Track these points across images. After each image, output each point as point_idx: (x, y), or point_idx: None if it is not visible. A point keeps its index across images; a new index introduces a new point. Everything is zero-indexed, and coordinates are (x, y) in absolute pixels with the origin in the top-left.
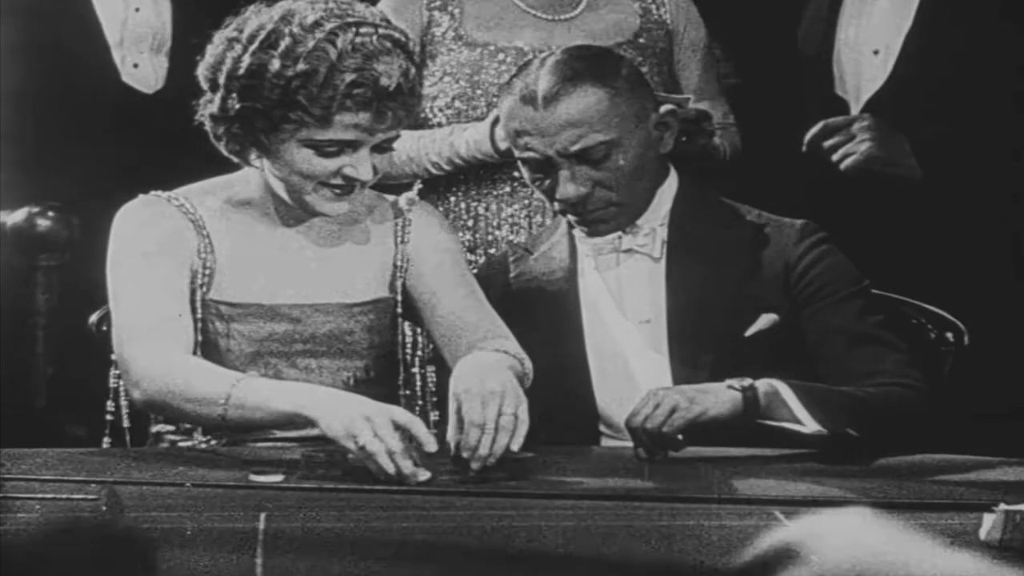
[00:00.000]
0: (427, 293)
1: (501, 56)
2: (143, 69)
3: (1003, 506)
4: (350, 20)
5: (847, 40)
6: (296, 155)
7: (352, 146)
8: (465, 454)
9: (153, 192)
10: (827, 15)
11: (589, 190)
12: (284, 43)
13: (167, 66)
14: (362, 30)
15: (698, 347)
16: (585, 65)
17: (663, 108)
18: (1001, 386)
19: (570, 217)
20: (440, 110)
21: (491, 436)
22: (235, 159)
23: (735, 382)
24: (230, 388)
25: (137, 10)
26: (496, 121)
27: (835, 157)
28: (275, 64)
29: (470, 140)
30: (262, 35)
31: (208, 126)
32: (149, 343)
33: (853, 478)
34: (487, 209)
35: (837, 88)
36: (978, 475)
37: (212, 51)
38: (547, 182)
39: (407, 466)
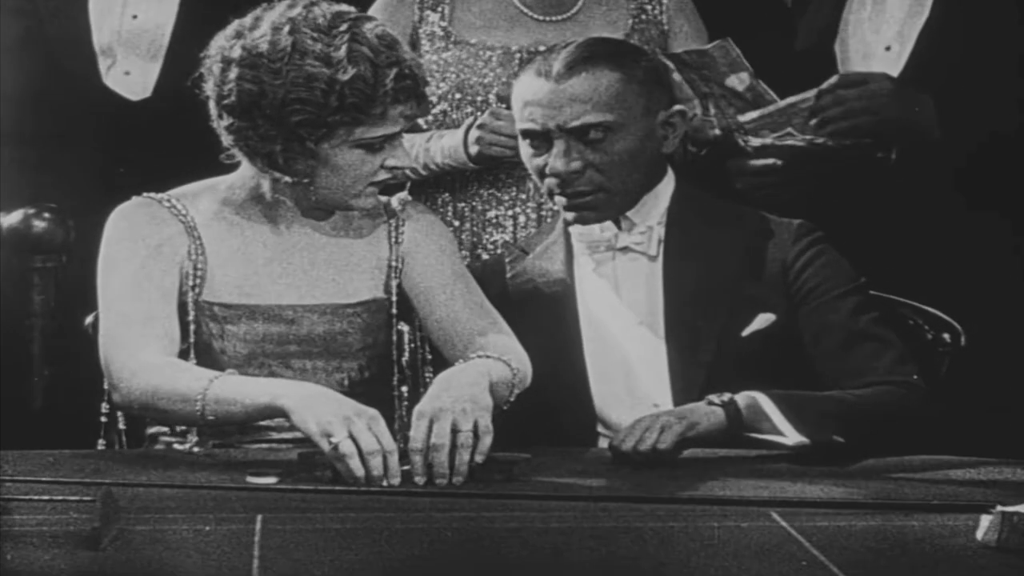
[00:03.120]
0: (422, 293)
1: (488, 55)
2: (134, 76)
3: (1000, 507)
4: (349, 16)
5: (857, 36)
6: (349, 157)
7: (392, 138)
8: (417, 479)
9: (146, 194)
10: (829, 9)
11: (580, 168)
12: (317, 50)
13: (157, 74)
14: (367, 24)
15: (695, 347)
16: (606, 49)
17: (674, 108)
18: (998, 387)
19: (557, 199)
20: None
21: (443, 454)
22: (282, 175)
23: (715, 397)
24: (208, 384)
25: (135, 17)
26: (470, 128)
27: (845, 115)
28: (324, 72)
29: (446, 147)
30: (287, 48)
31: (242, 152)
32: (131, 346)
33: (850, 479)
34: (473, 210)
35: None
36: (975, 476)
37: (222, 79)
38: (541, 158)
39: (377, 471)
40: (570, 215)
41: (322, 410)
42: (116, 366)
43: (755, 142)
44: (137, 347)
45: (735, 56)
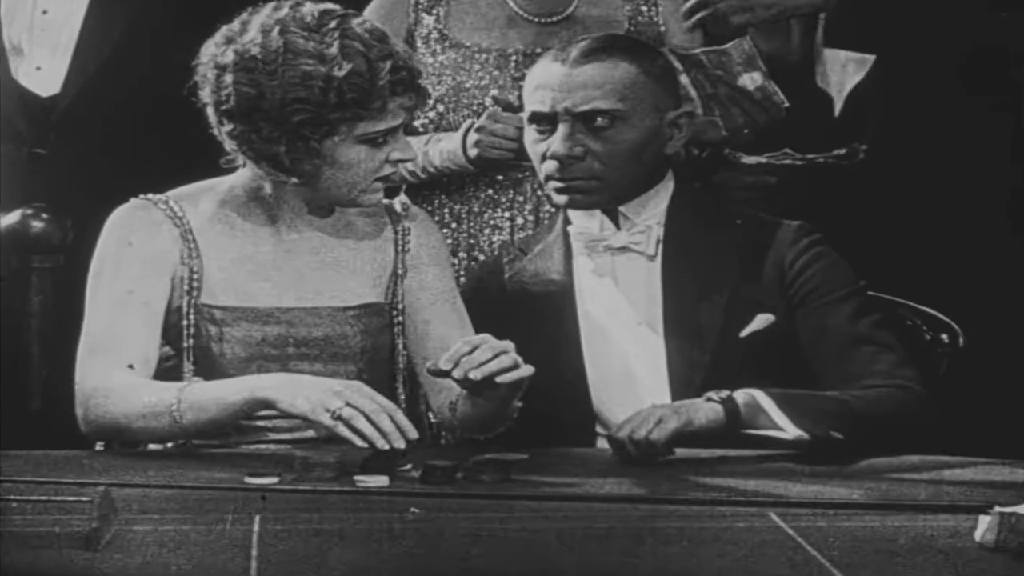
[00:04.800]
0: (412, 306)
1: (484, 57)
2: (46, 72)
3: (998, 508)
4: (337, 13)
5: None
6: (354, 153)
7: (393, 131)
8: (444, 364)
9: (143, 196)
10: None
11: (580, 155)
12: (309, 48)
13: (67, 68)
14: (355, 20)
15: (694, 347)
16: (625, 43)
17: (682, 109)
18: (996, 387)
19: (550, 184)
20: (423, 112)
21: (481, 356)
22: (289, 177)
23: (713, 394)
24: (179, 393)
25: (45, 12)
26: (468, 130)
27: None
28: (320, 70)
29: (444, 150)
30: (279, 49)
31: (248, 157)
32: (103, 374)
33: (848, 479)
34: (469, 212)
35: (819, 81)
36: (973, 476)
37: (218, 85)
38: (544, 143)
39: (388, 426)
40: (562, 198)
41: (308, 391)
42: (87, 383)
43: (748, 160)
44: (109, 374)
45: (751, 54)
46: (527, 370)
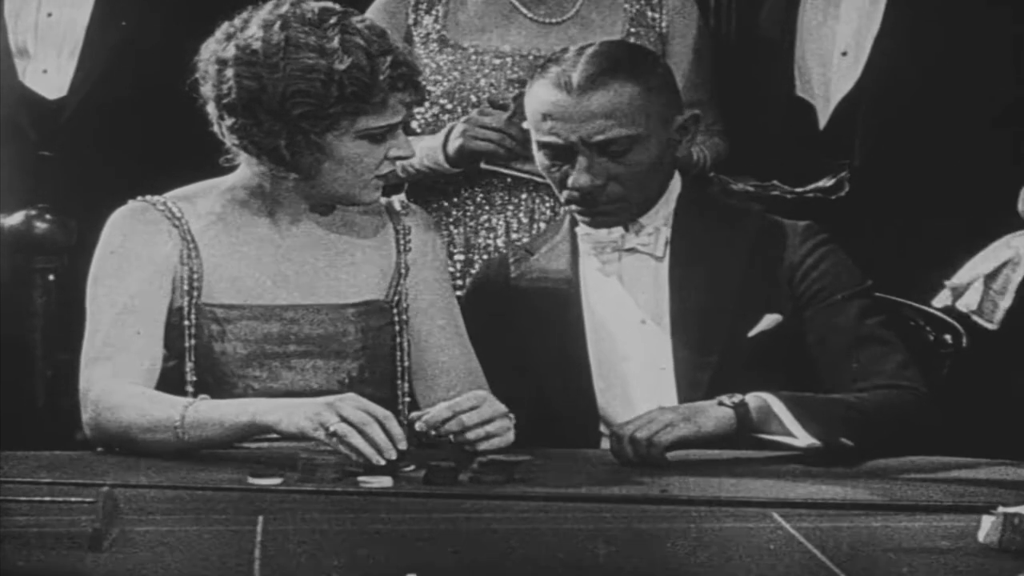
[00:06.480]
0: (415, 307)
1: (484, 59)
2: (52, 75)
3: (1001, 508)
4: (337, 10)
5: (813, 41)
6: (354, 148)
7: (393, 128)
8: (420, 427)
9: (141, 197)
10: (783, 14)
11: (603, 183)
12: (311, 43)
13: (73, 70)
14: (354, 17)
15: (701, 348)
16: (624, 58)
17: (688, 113)
18: (1000, 388)
19: (574, 208)
20: (420, 114)
21: (478, 417)
22: (289, 172)
23: (726, 398)
24: (184, 410)
25: (49, 15)
26: (450, 132)
27: None
28: (321, 63)
29: (424, 147)
30: (281, 43)
31: (249, 151)
32: (109, 379)
33: (851, 480)
34: (465, 214)
35: (800, 91)
36: (976, 477)
37: (220, 80)
38: (562, 170)
39: (380, 439)
40: (586, 219)
41: (305, 409)
42: (93, 391)
43: (736, 187)
44: (114, 384)
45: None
46: (506, 440)
